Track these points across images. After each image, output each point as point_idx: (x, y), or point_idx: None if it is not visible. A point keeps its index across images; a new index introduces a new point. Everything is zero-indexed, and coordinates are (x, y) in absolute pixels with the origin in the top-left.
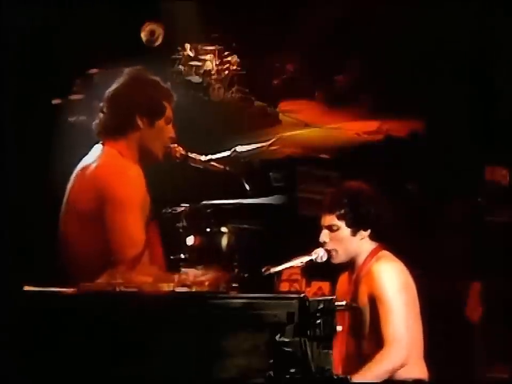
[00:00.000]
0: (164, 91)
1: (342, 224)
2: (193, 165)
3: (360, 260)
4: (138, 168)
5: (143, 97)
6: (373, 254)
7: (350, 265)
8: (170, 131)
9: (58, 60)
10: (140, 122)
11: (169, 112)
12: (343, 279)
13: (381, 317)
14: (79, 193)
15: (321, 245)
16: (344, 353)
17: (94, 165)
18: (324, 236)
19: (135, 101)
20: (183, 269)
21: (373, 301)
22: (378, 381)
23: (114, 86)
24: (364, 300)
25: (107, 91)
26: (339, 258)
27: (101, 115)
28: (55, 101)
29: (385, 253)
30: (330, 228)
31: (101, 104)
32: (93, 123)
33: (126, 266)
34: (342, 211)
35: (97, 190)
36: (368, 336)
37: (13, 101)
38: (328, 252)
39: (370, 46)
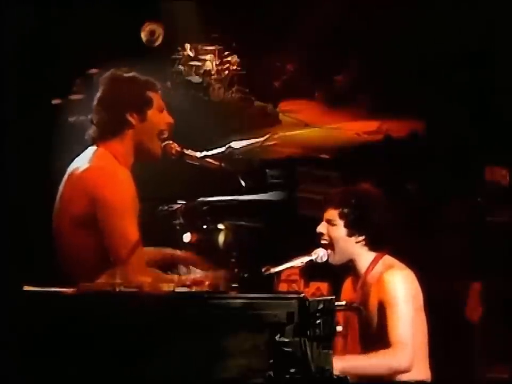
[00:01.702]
0: (144, 82)
1: (341, 222)
2: (189, 161)
3: (362, 265)
4: (127, 172)
5: (125, 94)
6: (377, 259)
7: (351, 270)
8: (166, 117)
9: (58, 59)
10: (131, 119)
11: (158, 100)
12: (348, 286)
13: (388, 323)
14: (71, 195)
15: (318, 235)
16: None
17: (85, 167)
18: (322, 227)
19: (119, 101)
20: (180, 266)
21: (382, 308)
22: (371, 372)
23: (96, 97)
24: (373, 306)
25: (92, 104)
26: (335, 258)
27: (93, 127)
28: (55, 101)
29: (391, 259)
30: (330, 222)
31: (89, 117)
32: (86, 134)
33: (123, 267)
34: (346, 210)
35: (89, 193)
36: (376, 342)
37: (13, 101)
38: (326, 248)
39: (369, 46)
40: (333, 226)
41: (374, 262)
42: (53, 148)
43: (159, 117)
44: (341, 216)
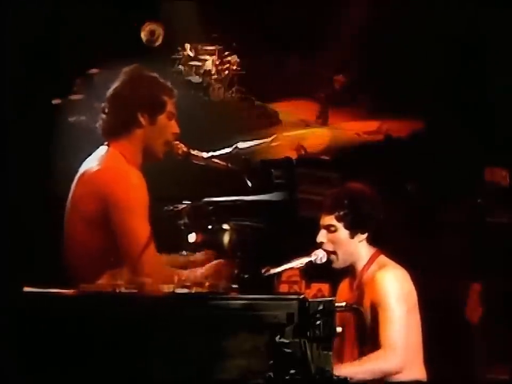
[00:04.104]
0: (163, 86)
1: (340, 225)
2: (195, 162)
3: (360, 266)
4: (140, 174)
5: (142, 94)
6: (372, 259)
7: (350, 271)
8: (173, 127)
9: (58, 59)
10: (141, 119)
11: (170, 107)
12: (344, 287)
13: (380, 323)
14: (82, 195)
15: (319, 245)
16: (352, 358)
17: (97, 168)
18: (322, 236)
19: (135, 99)
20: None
21: (374, 308)
22: (367, 378)
23: (113, 86)
24: (367, 306)
25: (108, 92)
26: (339, 262)
27: (103, 116)
28: (55, 101)
29: (385, 259)
30: (328, 229)
31: (103, 105)
32: (97, 124)
33: (134, 267)
34: (342, 212)
35: (101, 194)
36: (369, 342)
37: (13, 101)
38: (328, 254)
39: (370, 45)
40: (334, 231)
41: (370, 262)
42: (52, 147)
43: (167, 125)
44: (339, 219)
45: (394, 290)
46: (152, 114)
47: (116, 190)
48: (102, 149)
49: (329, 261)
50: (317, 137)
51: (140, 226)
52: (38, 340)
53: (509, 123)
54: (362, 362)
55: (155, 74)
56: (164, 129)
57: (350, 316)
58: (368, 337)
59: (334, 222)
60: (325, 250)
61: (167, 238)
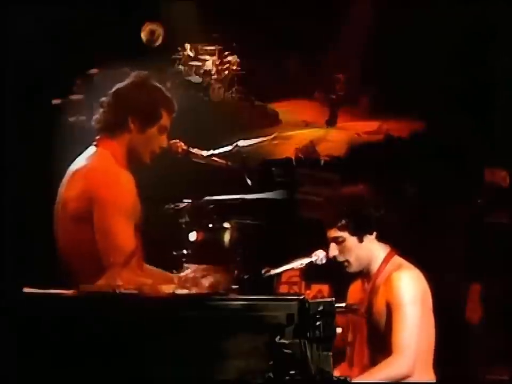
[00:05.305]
0: (164, 99)
1: (346, 234)
2: (195, 160)
3: (374, 267)
4: (129, 174)
5: (140, 100)
6: (387, 260)
7: (363, 273)
8: (162, 141)
9: (58, 60)
10: (131, 125)
11: (165, 121)
12: (356, 288)
13: (393, 326)
14: (72, 195)
15: (333, 259)
16: (362, 363)
17: (86, 168)
18: (332, 250)
19: (132, 103)
20: (185, 265)
21: (389, 309)
22: None
23: (117, 86)
24: (381, 308)
25: (112, 89)
26: (353, 268)
27: (101, 110)
28: (55, 101)
29: (400, 259)
30: (336, 240)
31: (102, 99)
32: (93, 117)
33: (115, 270)
34: (343, 222)
35: (89, 193)
36: (382, 345)
37: (13, 101)
38: (342, 263)
39: (370, 46)
40: (342, 242)
41: (384, 262)
42: (53, 148)
43: (156, 138)
44: (342, 229)
45: (409, 292)
46: (144, 123)
47: (103, 189)
48: (91, 149)
49: (342, 267)
50: (332, 140)
51: (121, 229)
52: (38, 340)
53: (509, 123)
54: (373, 372)
55: (161, 86)
56: (151, 141)
57: (361, 321)
58: (381, 339)
59: (339, 233)
60: (338, 261)
61: (168, 236)
